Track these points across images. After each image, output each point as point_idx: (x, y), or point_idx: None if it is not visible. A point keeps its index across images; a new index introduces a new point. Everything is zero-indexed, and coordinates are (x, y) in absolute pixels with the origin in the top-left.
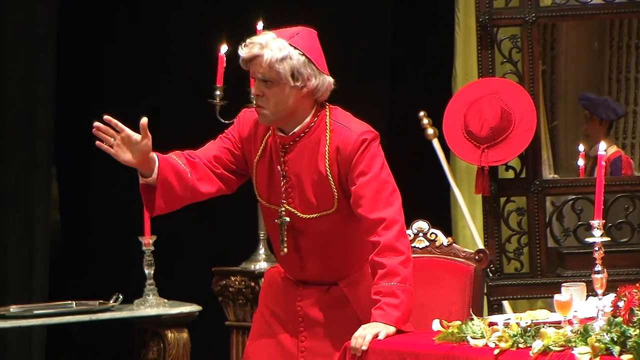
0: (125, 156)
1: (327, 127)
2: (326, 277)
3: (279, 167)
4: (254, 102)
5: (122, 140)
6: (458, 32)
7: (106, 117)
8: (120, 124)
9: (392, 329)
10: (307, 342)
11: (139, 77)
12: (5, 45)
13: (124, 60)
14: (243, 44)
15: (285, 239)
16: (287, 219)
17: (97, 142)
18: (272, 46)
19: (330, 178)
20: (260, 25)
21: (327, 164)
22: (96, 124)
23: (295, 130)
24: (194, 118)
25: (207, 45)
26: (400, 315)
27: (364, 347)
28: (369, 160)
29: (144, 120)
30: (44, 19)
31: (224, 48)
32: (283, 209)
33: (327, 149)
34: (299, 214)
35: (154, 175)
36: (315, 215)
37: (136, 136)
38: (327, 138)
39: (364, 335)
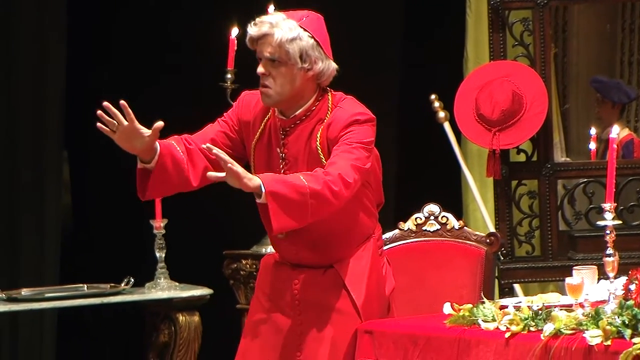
0: (126, 144)
1: (329, 111)
2: (322, 261)
3: (278, 149)
4: (260, 84)
5: (130, 129)
6: (469, 15)
7: (122, 102)
8: (132, 115)
9: (255, 182)
10: (304, 324)
11: (149, 59)
12: (15, 25)
13: (134, 42)
14: (252, 23)
15: None
16: None
17: (99, 124)
18: (282, 26)
19: (321, 156)
20: (271, 8)
21: (318, 142)
22: (106, 104)
23: (296, 113)
24: (204, 101)
25: (218, 28)
26: (273, 183)
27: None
28: (355, 133)
29: (160, 124)
30: (52, 10)
31: (234, 31)
32: None
33: (321, 128)
34: None
35: (153, 163)
36: None
37: (145, 131)
38: (325, 118)
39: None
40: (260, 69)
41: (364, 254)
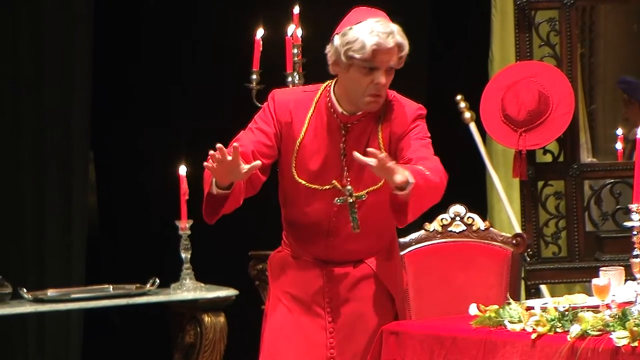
0: (220, 175)
1: (385, 104)
2: (355, 256)
3: (341, 145)
4: (372, 93)
5: (233, 166)
6: (495, 15)
7: (235, 145)
8: (239, 154)
9: (404, 176)
10: (334, 322)
11: (175, 60)
12: (43, 27)
13: (161, 45)
14: (377, 34)
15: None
16: (360, 196)
17: (206, 164)
18: (400, 33)
19: (381, 150)
20: (296, 9)
21: (380, 138)
22: (219, 145)
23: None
24: (231, 102)
25: (244, 29)
26: (416, 177)
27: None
28: (422, 128)
29: (258, 163)
30: (82, 2)
31: (260, 32)
32: (333, 186)
33: (380, 121)
34: (348, 191)
35: (230, 190)
36: (364, 192)
37: (244, 168)
38: (383, 113)
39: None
40: (383, 80)
41: (391, 248)
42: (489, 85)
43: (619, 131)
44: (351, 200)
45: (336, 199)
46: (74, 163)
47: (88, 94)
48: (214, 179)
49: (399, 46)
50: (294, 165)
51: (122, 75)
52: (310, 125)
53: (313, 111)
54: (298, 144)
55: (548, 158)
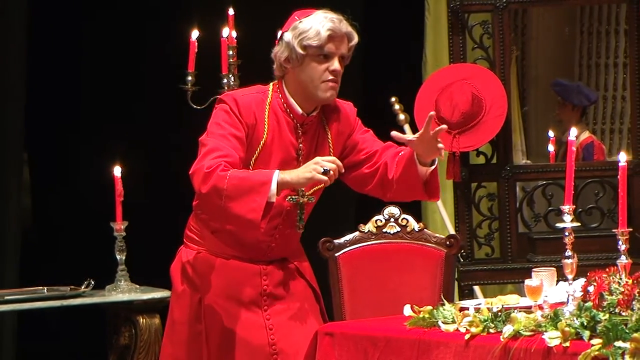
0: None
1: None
2: (286, 254)
3: (300, 144)
4: (328, 80)
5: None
6: (428, 18)
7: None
8: None
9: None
10: (273, 318)
11: (110, 64)
12: None
13: (96, 46)
14: (331, 20)
15: (302, 217)
16: (310, 197)
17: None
18: (348, 23)
19: (331, 148)
20: (231, 11)
21: (329, 135)
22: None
23: (316, 108)
24: (166, 103)
25: (179, 30)
26: None
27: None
28: (361, 122)
29: (333, 164)
30: (16, 3)
31: (195, 33)
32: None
33: (324, 121)
34: (301, 191)
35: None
36: (311, 191)
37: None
38: (324, 113)
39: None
40: (338, 66)
41: (301, 248)
42: (423, 87)
43: (550, 133)
44: (302, 201)
45: (289, 197)
46: (8, 164)
47: (22, 94)
48: (274, 187)
49: (349, 34)
50: (251, 166)
51: (56, 75)
52: (269, 125)
53: (268, 112)
54: (261, 145)
55: (481, 160)
